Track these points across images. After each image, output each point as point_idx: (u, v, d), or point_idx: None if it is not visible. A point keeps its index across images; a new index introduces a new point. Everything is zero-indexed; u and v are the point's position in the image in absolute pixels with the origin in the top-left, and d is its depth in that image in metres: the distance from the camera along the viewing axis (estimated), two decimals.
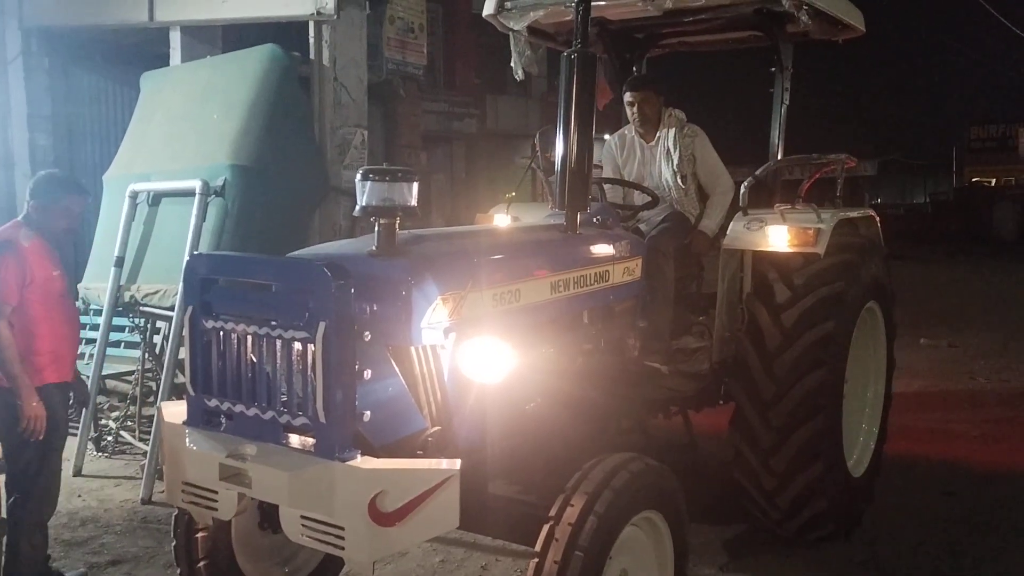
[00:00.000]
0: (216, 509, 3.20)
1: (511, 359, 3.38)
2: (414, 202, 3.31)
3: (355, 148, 6.80)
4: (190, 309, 3.22)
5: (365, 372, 3.06)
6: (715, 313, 5.35)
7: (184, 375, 6.31)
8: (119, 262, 6.67)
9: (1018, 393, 8.76)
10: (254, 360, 3.12)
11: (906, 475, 6.15)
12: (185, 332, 3.24)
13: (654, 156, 5.52)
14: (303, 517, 2.97)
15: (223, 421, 3.27)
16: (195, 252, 3.24)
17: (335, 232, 6.74)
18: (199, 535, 3.86)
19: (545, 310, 3.89)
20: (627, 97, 5.52)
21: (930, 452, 6.76)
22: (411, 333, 3.23)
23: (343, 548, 2.90)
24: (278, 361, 3.06)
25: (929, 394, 8.66)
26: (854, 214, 5.28)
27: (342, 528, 2.89)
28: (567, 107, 4.05)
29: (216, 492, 3.18)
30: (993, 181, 42.50)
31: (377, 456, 3.01)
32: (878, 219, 5.59)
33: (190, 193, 6.29)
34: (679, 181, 5.37)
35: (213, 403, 3.22)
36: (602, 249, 4.33)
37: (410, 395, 3.27)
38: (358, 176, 3.32)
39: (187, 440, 3.22)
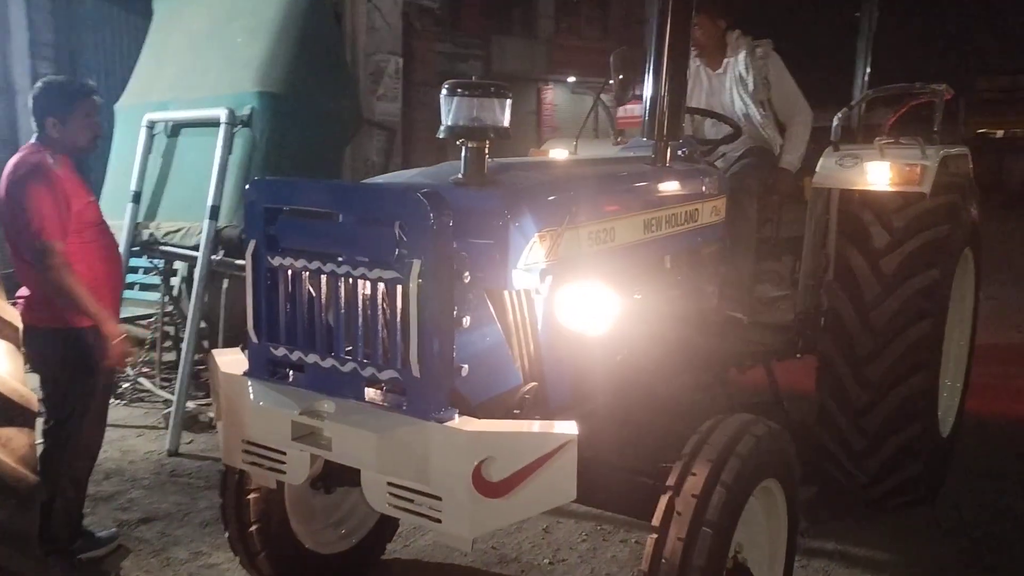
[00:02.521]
0: (283, 472, 2.81)
1: (614, 306, 2.96)
2: (507, 123, 2.86)
3: (389, 77, 6.29)
4: (252, 244, 2.78)
5: (464, 319, 2.63)
6: (792, 259, 4.95)
7: (205, 321, 5.93)
8: (136, 197, 6.21)
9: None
10: (331, 304, 2.69)
11: (978, 434, 5.78)
12: (248, 271, 2.80)
13: (723, 85, 5.03)
14: (390, 484, 2.57)
15: (290, 373, 2.86)
16: (255, 178, 2.79)
17: (368, 169, 6.26)
18: (251, 496, 3.49)
19: (637, 251, 3.46)
20: None
21: (996, 409, 6.39)
22: (507, 275, 2.80)
23: (439, 521, 2.51)
24: (360, 305, 2.63)
25: (979, 348, 8.27)
26: (953, 151, 4.82)
27: (439, 498, 2.49)
28: (660, 25, 3.58)
29: (284, 453, 2.78)
30: (999, 133, 41.84)
31: (475, 416, 2.60)
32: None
33: (214, 123, 5.80)
34: (759, 109, 4.88)
35: (280, 352, 2.80)
36: (692, 185, 3.88)
37: (507, 346, 2.85)
38: (443, 91, 2.85)
39: (250, 394, 2.81)
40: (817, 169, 4.53)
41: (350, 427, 2.57)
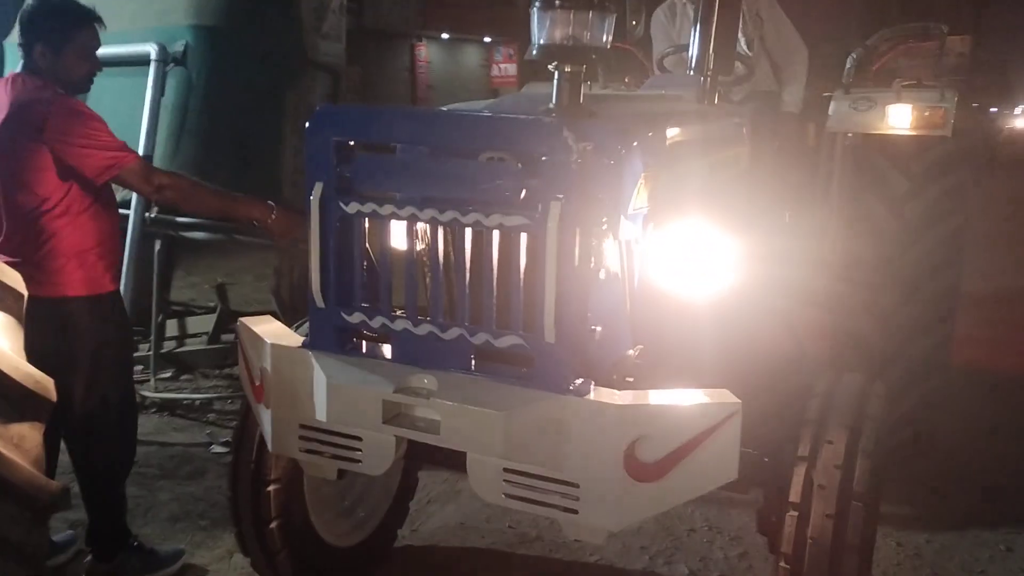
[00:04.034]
0: (359, 460, 2.35)
1: (714, 256, 2.63)
2: (608, 43, 2.45)
3: (333, 13, 5.67)
4: (318, 187, 2.28)
5: (600, 272, 2.24)
6: (786, 207, 4.74)
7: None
8: None
9: (993, 296, 8.60)
10: (429, 258, 2.24)
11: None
12: (312, 221, 2.30)
13: None
14: (507, 471, 2.17)
15: (360, 343, 2.39)
16: (321, 106, 2.28)
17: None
18: (271, 488, 2.99)
19: (703, 196, 3.13)
20: None
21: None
22: (616, 221, 2.41)
23: (575, 511, 2.14)
24: (471, 258, 2.19)
25: None
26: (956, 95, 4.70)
27: (576, 486, 2.12)
28: None
29: (360, 439, 2.32)
30: None
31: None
32: None
33: (139, 61, 5.05)
34: (750, 47, 4.60)
35: (356, 319, 2.33)
36: (735, 128, 3.58)
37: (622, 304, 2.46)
38: (536, 3, 2.41)
39: (317, 371, 2.32)
40: (830, 113, 4.32)
41: (465, 406, 2.14)
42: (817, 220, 4.49)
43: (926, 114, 4.11)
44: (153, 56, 4.99)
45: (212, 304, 6.33)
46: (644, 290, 2.60)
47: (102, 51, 5.27)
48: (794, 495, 2.42)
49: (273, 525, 3.01)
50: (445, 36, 26.80)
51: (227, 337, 5.93)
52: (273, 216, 3.21)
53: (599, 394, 2.12)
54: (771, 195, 4.27)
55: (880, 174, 4.23)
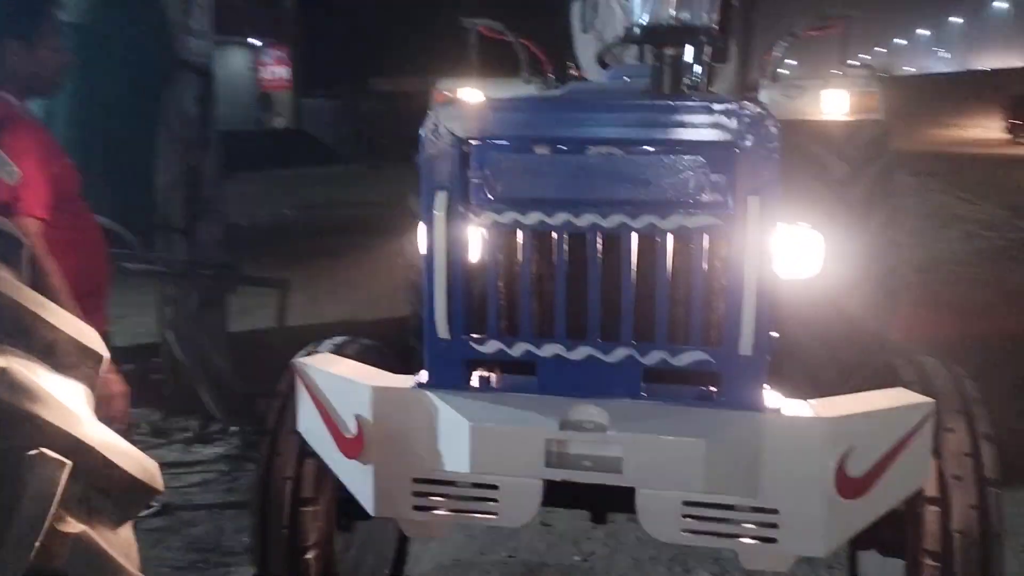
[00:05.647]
0: (495, 513, 2.02)
1: (807, 249, 2.52)
2: (716, 24, 2.28)
3: (199, 7, 5.04)
4: (441, 196, 1.92)
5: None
6: None
7: None
8: None
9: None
10: (588, 270, 1.94)
11: None
12: (432, 235, 1.92)
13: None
14: (688, 505, 1.93)
15: (491, 377, 2.05)
16: (441, 103, 1.91)
17: (185, 123, 4.98)
18: (310, 556, 2.54)
19: None
20: None
21: None
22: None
23: (774, 540, 1.93)
24: (643, 267, 1.91)
25: None
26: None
27: (774, 511, 1.91)
28: None
29: (497, 488, 2.00)
30: None
31: None
32: None
33: None
34: None
35: (491, 348, 1.98)
36: None
37: None
38: None
39: (452, 412, 1.96)
40: (761, 101, 4.33)
41: (655, 436, 1.87)
42: None
43: (861, 99, 4.22)
44: None
45: None
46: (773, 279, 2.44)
47: None
48: (930, 489, 2.33)
49: None
50: None
51: None
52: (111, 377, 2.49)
53: (797, 408, 1.92)
54: None
55: (817, 159, 4.28)
